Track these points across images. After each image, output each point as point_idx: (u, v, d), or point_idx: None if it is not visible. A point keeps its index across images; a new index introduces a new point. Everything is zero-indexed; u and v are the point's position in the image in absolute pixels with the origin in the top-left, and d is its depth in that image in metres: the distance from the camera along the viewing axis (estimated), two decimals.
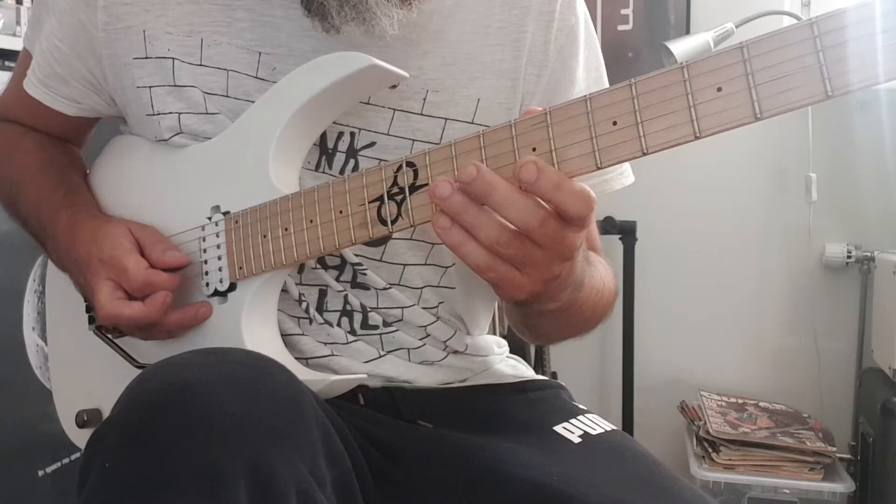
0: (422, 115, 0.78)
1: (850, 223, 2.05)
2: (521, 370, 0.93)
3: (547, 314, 0.70)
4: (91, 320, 0.87)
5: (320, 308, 0.80)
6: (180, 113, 0.78)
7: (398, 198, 0.64)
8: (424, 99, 0.78)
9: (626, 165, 0.88)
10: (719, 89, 0.51)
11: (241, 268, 0.75)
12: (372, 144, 0.77)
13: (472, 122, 0.79)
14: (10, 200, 0.90)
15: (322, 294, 0.80)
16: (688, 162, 2.11)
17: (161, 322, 0.76)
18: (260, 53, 0.77)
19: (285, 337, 0.79)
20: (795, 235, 2.08)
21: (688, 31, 2.11)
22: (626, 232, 2.08)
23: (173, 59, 0.78)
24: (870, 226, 2.03)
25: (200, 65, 0.78)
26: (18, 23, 1.48)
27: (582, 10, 0.85)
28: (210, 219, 0.77)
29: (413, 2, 0.73)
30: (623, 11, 2.19)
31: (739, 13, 1.91)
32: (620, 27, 2.19)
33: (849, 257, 2.03)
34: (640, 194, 2.07)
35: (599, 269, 0.77)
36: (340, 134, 0.77)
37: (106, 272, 0.76)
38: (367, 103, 0.77)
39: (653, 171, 2.08)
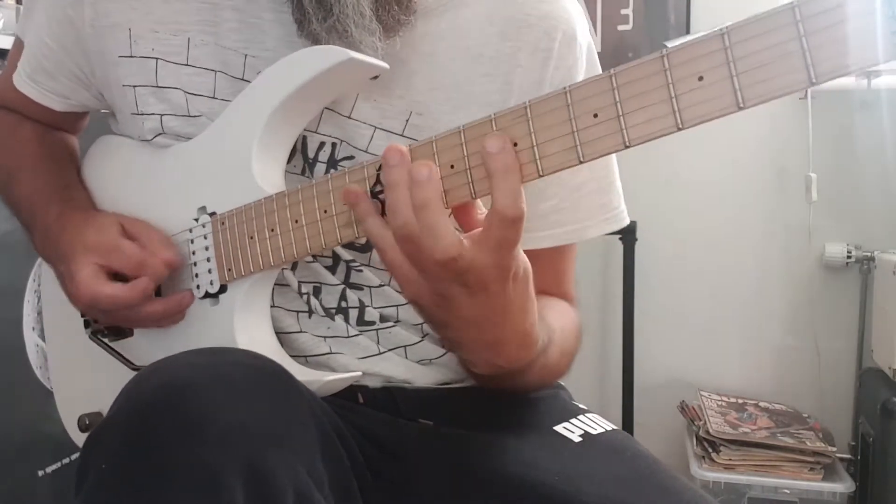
0: (403, 136, 0.77)
1: (850, 223, 2.05)
2: None
3: (480, 378, 0.74)
4: (87, 324, 0.87)
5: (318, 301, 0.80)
6: (162, 115, 0.78)
7: (381, 196, 0.63)
8: (407, 120, 0.77)
9: (614, 208, 0.86)
10: (700, 78, 0.50)
11: (229, 269, 0.74)
12: (351, 157, 0.77)
13: None
14: (4, 185, 0.90)
15: (317, 291, 0.80)
16: (688, 162, 2.11)
17: (142, 310, 0.76)
18: (246, 56, 0.76)
19: (283, 335, 0.79)
20: (795, 235, 2.08)
21: (688, 31, 2.11)
22: (626, 232, 2.07)
23: (157, 59, 0.77)
24: (870, 226, 2.03)
25: (186, 65, 0.77)
26: (18, 22, 1.48)
27: (584, 49, 0.83)
28: (197, 220, 0.77)
29: (397, 35, 0.72)
30: (623, 11, 2.19)
31: (739, 13, 1.90)
32: (620, 27, 2.19)
33: (849, 257, 2.02)
34: (640, 194, 2.09)
35: (555, 347, 0.76)
36: (322, 144, 0.77)
37: (91, 257, 0.76)
38: (349, 117, 0.76)
39: (653, 172, 2.10)
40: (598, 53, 0.87)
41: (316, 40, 0.71)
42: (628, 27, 2.19)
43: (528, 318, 0.66)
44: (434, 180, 0.58)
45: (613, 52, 2.18)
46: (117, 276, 0.77)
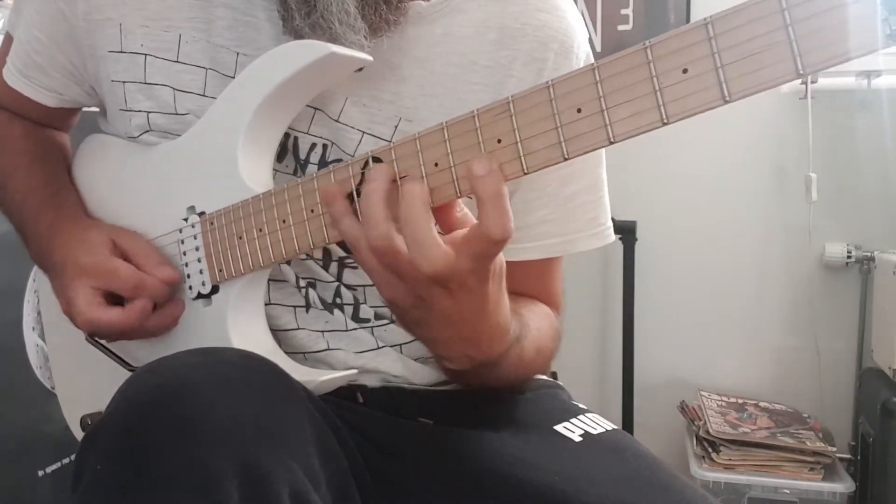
0: (391, 142, 0.76)
1: (850, 223, 2.04)
2: None
3: (454, 373, 0.74)
4: None
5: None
6: (149, 112, 0.78)
7: None
8: (396, 126, 0.76)
9: (602, 224, 0.86)
10: (685, 71, 0.49)
11: (220, 270, 0.74)
12: (340, 160, 0.76)
13: None
14: None
15: (312, 285, 0.80)
16: (688, 162, 2.11)
17: (141, 328, 0.75)
18: (238, 54, 0.76)
19: (281, 332, 0.79)
20: (795, 235, 2.07)
21: None
22: (626, 232, 2.07)
23: (146, 55, 0.77)
24: (870, 226, 2.02)
25: (177, 61, 0.77)
26: (8, 19, 1.48)
27: (581, 60, 0.82)
28: (186, 220, 0.76)
29: (384, 35, 0.72)
30: (623, 11, 2.18)
31: None
32: (620, 27, 2.19)
33: (849, 257, 2.02)
34: (640, 194, 2.10)
35: (530, 343, 0.77)
36: (313, 145, 0.77)
37: (87, 279, 0.75)
38: (337, 121, 0.76)
39: (653, 171, 2.10)
40: (598, 54, 0.87)
41: (299, 37, 0.70)
42: (628, 27, 2.19)
43: (501, 311, 0.66)
44: (425, 194, 0.58)
45: (613, 53, 2.17)
46: (114, 295, 0.77)
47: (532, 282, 0.86)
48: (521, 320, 0.74)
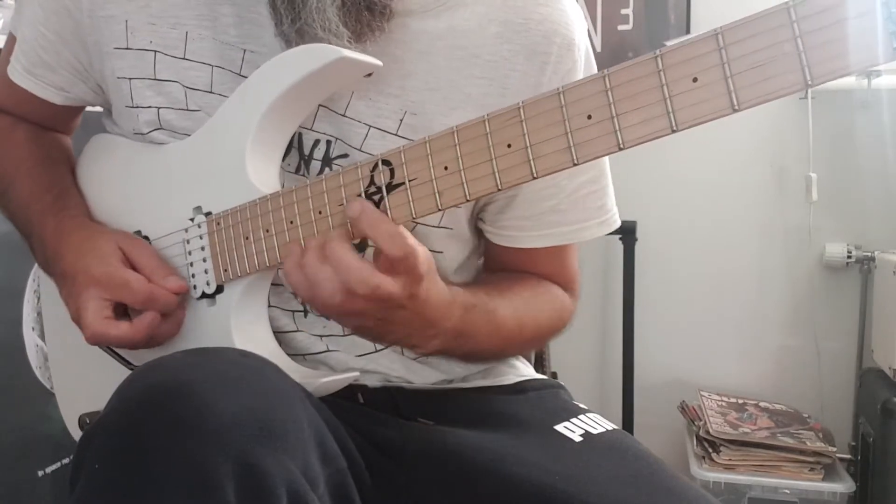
0: (397, 135, 0.76)
1: (850, 223, 2.04)
2: (520, 369, 0.92)
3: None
4: None
5: None
6: (159, 108, 0.78)
7: (376, 197, 0.63)
8: (401, 120, 0.77)
9: (609, 211, 0.87)
10: (695, 80, 0.50)
11: (225, 270, 0.74)
12: (345, 156, 0.76)
13: None
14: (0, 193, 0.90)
15: None
16: (688, 162, 2.11)
17: (150, 340, 0.76)
18: (245, 51, 0.76)
19: (280, 334, 0.79)
20: (795, 235, 2.08)
21: (688, 32, 2.10)
22: (626, 232, 2.07)
23: (155, 51, 0.77)
24: (870, 226, 2.02)
25: (184, 58, 0.77)
26: (11, 19, 1.47)
27: (582, 53, 0.82)
28: (192, 220, 0.77)
29: (367, 39, 0.72)
30: (623, 11, 2.18)
31: (739, 13, 1.90)
32: (620, 27, 2.19)
33: (849, 257, 2.02)
34: (640, 194, 2.10)
35: (507, 315, 0.79)
36: (317, 141, 0.77)
37: (97, 290, 0.75)
38: (344, 115, 0.76)
39: (653, 171, 2.10)
40: (598, 53, 0.88)
41: (289, 41, 0.71)
42: (628, 27, 2.18)
43: (434, 290, 0.68)
44: (346, 244, 0.64)
45: (613, 52, 2.17)
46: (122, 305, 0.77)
47: (545, 263, 0.87)
48: (488, 294, 0.77)
